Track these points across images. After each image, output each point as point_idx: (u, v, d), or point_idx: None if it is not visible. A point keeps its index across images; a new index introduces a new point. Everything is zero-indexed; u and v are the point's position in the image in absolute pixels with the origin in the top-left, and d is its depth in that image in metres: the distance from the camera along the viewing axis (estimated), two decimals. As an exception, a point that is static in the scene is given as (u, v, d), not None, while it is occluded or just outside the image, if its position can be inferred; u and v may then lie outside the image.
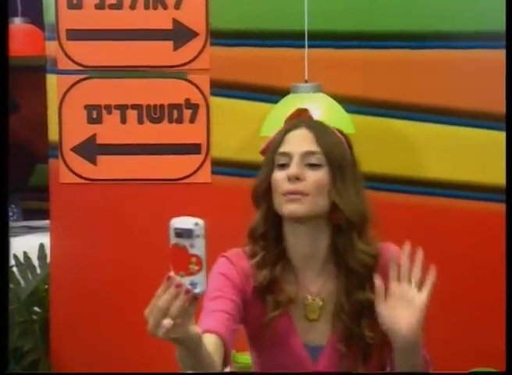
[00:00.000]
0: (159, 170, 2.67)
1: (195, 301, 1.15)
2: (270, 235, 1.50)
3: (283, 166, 1.46)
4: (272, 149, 1.49)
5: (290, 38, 2.56)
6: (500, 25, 2.45)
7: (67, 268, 2.69)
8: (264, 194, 1.49)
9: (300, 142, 1.47)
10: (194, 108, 2.65)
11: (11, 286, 2.92)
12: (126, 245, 2.68)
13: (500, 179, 2.52)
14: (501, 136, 2.51)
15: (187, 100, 2.64)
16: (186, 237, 1.13)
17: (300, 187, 1.44)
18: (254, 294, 1.49)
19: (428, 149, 2.62)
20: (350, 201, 1.46)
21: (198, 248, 1.13)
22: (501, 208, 2.31)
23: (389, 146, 2.58)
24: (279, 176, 1.46)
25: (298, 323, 1.50)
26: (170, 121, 2.65)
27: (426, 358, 1.43)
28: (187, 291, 1.13)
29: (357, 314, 1.47)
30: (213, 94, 2.64)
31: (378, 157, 2.54)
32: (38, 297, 2.91)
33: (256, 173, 1.54)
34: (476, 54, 2.60)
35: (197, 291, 1.14)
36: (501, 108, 2.46)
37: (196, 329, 1.19)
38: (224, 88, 2.64)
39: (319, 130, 1.49)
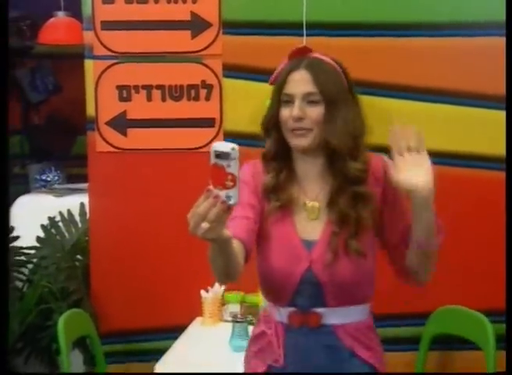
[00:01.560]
0: (179, 141, 2.83)
1: (228, 211, 1.28)
2: (280, 156, 1.67)
3: (288, 103, 1.62)
4: (278, 88, 1.64)
5: (291, 28, 2.74)
6: (479, 15, 2.70)
7: (103, 223, 2.89)
8: (274, 126, 1.65)
9: (300, 84, 1.60)
10: (209, 88, 2.83)
11: (57, 238, 3.15)
12: (151, 203, 2.86)
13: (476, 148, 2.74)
14: (484, 113, 2.74)
15: (203, 81, 2.83)
16: (225, 158, 1.25)
17: (303, 124, 1.60)
18: (263, 195, 1.66)
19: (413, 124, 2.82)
20: (336, 136, 1.59)
21: (233, 168, 1.26)
22: (499, 175, 2.59)
23: (378, 122, 2.76)
24: (285, 113, 1.62)
25: (298, 223, 1.65)
26: (189, 99, 2.83)
27: (438, 223, 1.57)
28: (223, 202, 1.26)
29: (354, 200, 1.61)
30: (225, 76, 2.82)
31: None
32: (80, 247, 3.08)
33: (262, 143, 1.72)
34: (458, 42, 2.76)
35: (231, 202, 1.27)
36: (485, 88, 2.70)
37: (227, 232, 1.35)
38: (234, 71, 2.81)
39: (317, 69, 1.61)
